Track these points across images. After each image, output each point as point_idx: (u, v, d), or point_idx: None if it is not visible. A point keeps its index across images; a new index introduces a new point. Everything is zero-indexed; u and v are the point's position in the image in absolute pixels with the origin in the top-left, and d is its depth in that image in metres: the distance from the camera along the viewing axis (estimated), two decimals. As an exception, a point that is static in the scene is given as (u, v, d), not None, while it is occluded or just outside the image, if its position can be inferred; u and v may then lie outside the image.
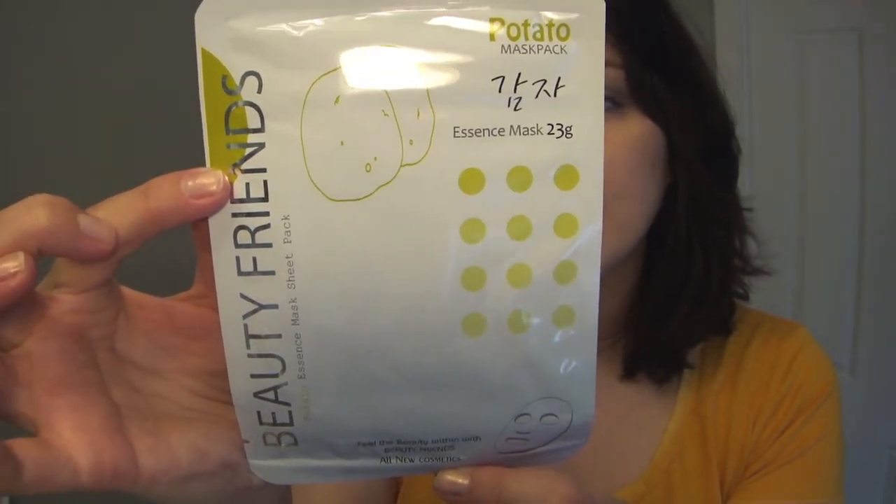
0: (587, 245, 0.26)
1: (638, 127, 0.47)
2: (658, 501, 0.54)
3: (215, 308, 0.26)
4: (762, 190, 1.38)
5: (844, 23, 1.38)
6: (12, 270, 0.22)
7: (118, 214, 0.24)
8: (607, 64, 0.45)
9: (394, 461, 0.30)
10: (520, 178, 0.25)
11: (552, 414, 0.29)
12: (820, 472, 0.53)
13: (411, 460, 0.30)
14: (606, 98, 0.46)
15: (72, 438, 0.24)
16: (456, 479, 0.30)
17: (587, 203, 0.26)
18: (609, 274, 0.50)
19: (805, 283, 1.43)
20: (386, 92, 0.25)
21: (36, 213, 0.22)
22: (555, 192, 0.26)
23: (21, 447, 0.23)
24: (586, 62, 0.25)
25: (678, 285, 0.53)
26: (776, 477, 0.53)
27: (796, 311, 1.41)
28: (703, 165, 0.51)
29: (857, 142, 1.39)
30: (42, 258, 0.23)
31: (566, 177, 0.26)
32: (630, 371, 0.55)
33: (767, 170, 1.40)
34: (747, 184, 1.38)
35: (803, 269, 1.43)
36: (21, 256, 0.22)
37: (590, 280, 0.27)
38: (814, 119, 1.41)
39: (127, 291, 0.27)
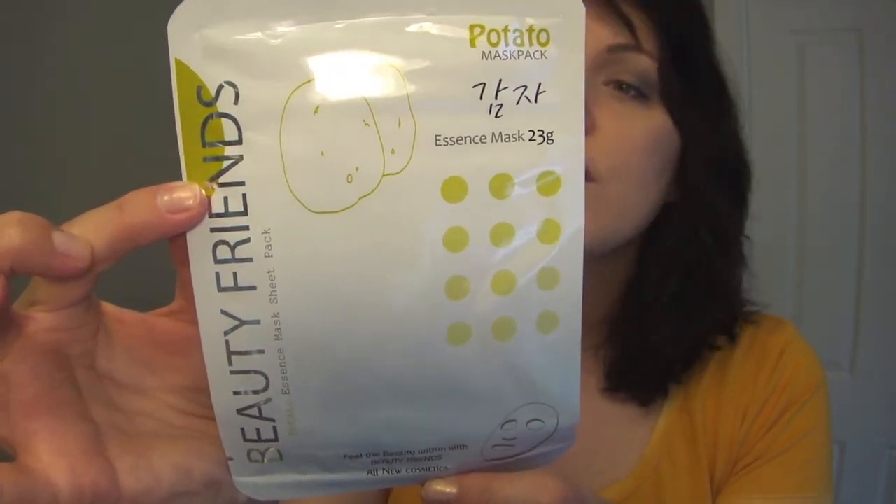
0: (569, 251, 0.26)
1: (659, 122, 0.48)
2: (648, 498, 0.54)
3: (196, 323, 0.25)
4: (762, 190, 1.38)
5: (844, 23, 1.38)
6: None
7: (93, 230, 0.23)
8: (645, 53, 0.46)
9: (381, 473, 0.29)
10: (502, 186, 0.25)
11: (538, 419, 0.28)
12: (809, 467, 0.53)
13: (398, 471, 0.29)
14: (634, 87, 0.48)
15: (50, 461, 0.24)
16: (444, 488, 0.29)
17: (569, 208, 0.26)
18: (603, 268, 0.50)
19: (805, 283, 1.42)
20: (366, 100, 0.24)
21: (8, 232, 0.22)
22: (537, 198, 0.25)
23: None
24: (566, 67, 0.25)
25: (669, 296, 0.53)
26: (765, 471, 0.53)
27: (796, 312, 1.40)
28: (711, 177, 0.52)
29: (857, 142, 1.39)
30: (16, 276, 0.22)
31: (548, 183, 0.25)
32: (614, 384, 0.55)
33: (767, 170, 1.39)
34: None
35: (803, 269, 1.42)
36: None
37: (572, 285, 0.26)
38: (814, 119, 1.41)
39: (107, 307, 0.27)
